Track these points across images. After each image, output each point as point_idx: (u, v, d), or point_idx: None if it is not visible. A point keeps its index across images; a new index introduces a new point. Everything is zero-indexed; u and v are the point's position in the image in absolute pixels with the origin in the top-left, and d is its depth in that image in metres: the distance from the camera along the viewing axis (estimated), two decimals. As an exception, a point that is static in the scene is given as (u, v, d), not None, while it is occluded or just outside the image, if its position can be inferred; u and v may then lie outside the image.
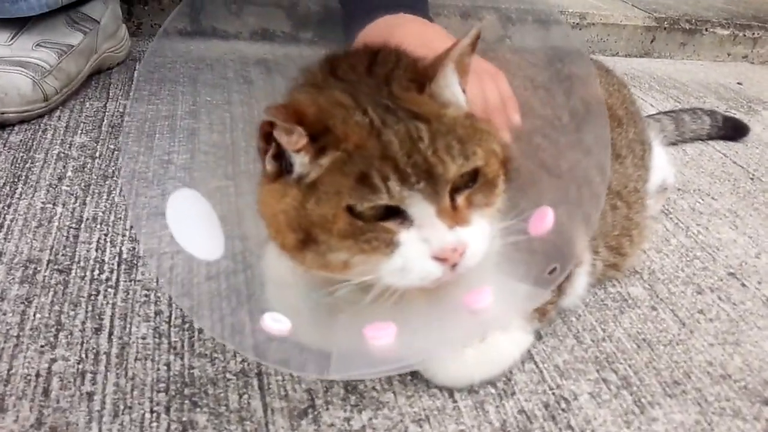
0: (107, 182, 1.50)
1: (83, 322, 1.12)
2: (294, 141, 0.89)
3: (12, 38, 1.76)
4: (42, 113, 1.74)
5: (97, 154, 1.61)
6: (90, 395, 1.00)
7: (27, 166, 1.52)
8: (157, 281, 1.22)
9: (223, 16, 1.71)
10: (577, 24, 2.88)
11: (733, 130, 2.21)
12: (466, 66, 0.99)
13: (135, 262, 1.27)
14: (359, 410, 1.03)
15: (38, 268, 1.22)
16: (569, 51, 1.28)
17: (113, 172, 1.54)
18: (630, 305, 1.33)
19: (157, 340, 1.11)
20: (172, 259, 0.96)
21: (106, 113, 1.80)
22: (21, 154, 1.57)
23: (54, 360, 1.05)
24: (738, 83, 2.86)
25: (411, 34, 1.20)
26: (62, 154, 1.59)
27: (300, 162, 0.91)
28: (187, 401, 1.00)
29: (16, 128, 1.67)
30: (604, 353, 1.20)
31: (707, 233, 1.64)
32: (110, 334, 1.11)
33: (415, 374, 1.09)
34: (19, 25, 1.78)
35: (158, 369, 1.05)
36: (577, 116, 1.13)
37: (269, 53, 1.54)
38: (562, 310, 1.27)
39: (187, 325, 1.14)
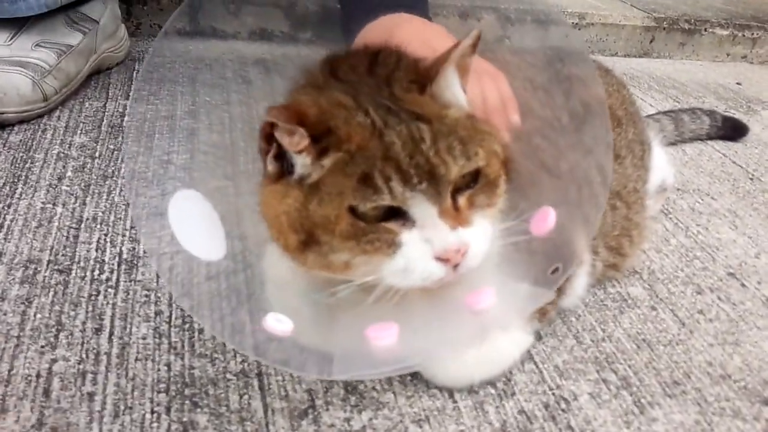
0: (107, 182, 1.50)
1: (83, 323, 1.12)
2: (296, 142, 0.89)
3: (11, 38, 1.76)
4: (41, 113, 1.74)
5: (97, 154, 1.61)
6: (91, 395, 1.00)
7: (27, 166, 1.52)
8: (158, 281, 1.22)
9: (222, 15, 1.71)
10: (576, 24, 2.88)
11: (732, 130, 2.21)
12: (467, 66, 0.99)
13: (135, 262, 1.27)
14: (359, 410, 1.03)
15: (38, 269, 1.22)
16: (569, 51, 1.28)
17: (113, 172, 1.54)
18: (630, 305, 1.33)
19: (157, 340, 1.11)
20: (172, 260, 0.96)
21: (106, 113, 1.80)
22: (21, 154, 1.57)
23: (54, 360, 1.05)
24: (737, 83, 2.86)
25: (411, 34, 1.20)
26: (62, 154, 1.59)
27: (301, 163, 0.91)
28: (187, 401, 1.01)
29: (15, 128, 1.67)
30: (604, 353, 1.20)
31: (707, 233, 1.64)
32: (111, 334, 1.11)
33: (415, 375, 1.09)
34: (19, 25, 1.78)
35: (159, 369, 1.05)
36: (576, 117, 1.13)
37: (268, 53, 1.54)
38: (561, 311, 1.27)
39: (187, 326, 1.14)
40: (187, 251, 0.96)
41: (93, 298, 1.18)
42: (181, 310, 1.16)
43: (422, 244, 0.90)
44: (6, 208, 1.37)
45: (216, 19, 1.69)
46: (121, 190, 1.47)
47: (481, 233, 0.93)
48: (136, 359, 1.07)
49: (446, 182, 0.89)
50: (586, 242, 1.13)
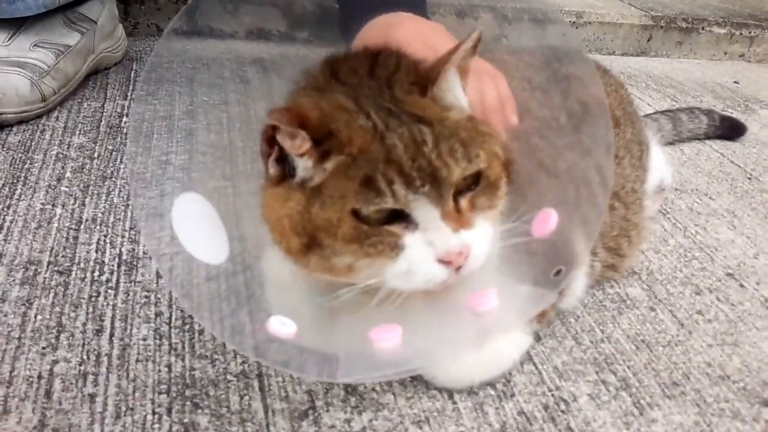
0: (106, 183, 1.50)
1: (84, 324, 1.12)
2: (297, 145, 0.90)
3: (9, 39, 1.76)
4: (40, 114, 1.74)
5: (96, 155, 1.61)
6: (92, 397, 1.00)
7: (26, 167, 1.52)
8: (157, 282, 1.22)
9: (219, 15, 1.70)
10: (574, 23, 2.88)
11: (730, 130, 2.21)
12: (467, 68, 0.99)
13: (135, 263, 1.27)
14: (359, 412, 1.03)
15: (38, 270, 1.23)
16: (567, 51, 1.28)
17: (112, 173, 1.54)
18: (628, 306, 1.34)
19: (157, 341, 1.11)
20: (171, 261, 0.96)
21: (104, 113, 1.80)
22: (20, 155, 1.57)
23: (56, 362, 1.05)
24: (735, 82, 2.86)
25: (410, 33, 1.20)
26: (61, 155, 1.59)
27: (303, 166, 0.92)
28: (188, 402, 1.01)
29: (14, 129, 1.67)
30: (603, 354, 1.20)
31: (705, 233, 1.64)
32: (111, 335, 1.11)
33: (414, 376, 1.09)
34: (17, 25, 1.78)
35: (159, 370, 1.06)
36: (574, 117, 1.13)
37: (265, 52, 1.54)
38: (560, 312, 1.27)
39: (187, 327, 1.14)
40: (191, 254, 0.96)
41: (93, 299, 1.18)
42: (182, 311, 1.16)
43: (425, 247, 0.90)
44: (5, 209, 1.37)
45: (213, 19, 1.69)
46: (120, 191, 1.47)
47: (482, 235, 0.93)
48: (137, 360, 1.07)
49: (448, 185, 0.89)
50: (586, 243, 1.13)
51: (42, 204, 1.40)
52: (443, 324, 1.02)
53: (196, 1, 1.15)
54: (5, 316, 1.12)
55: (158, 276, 1.24)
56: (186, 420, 0.98)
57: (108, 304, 1.17)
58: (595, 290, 1.36)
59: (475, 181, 0.93)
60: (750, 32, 3.21)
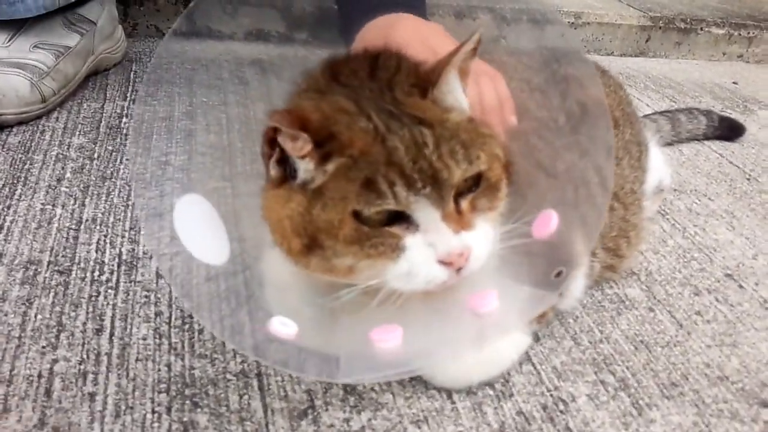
0: (106, 184, 1.50)
1: (84, 323, 1.13)
2: (299, 147, 0.90)
3: (9, 40, 1.76)
4: (40, 114, 1.75)
5: (96, 156, 1.61)
6: (92, 396, 1.00)
7: (26, 167, 1.53)
8: (157, 282, 1.23)
9: (218, 16, 1.70)
10: (572, 23, 2.88)
11: (729, 130, 2.21)
12: (467, 70, 0.99)
13: (135, 263, 1.27)
14: (358, 411, 1.04)
15: (39, 270, 1.23)
16: (565, 52, 1.28)
17: (112, 173, 1.55)
18: (627, 307, 1.34)
19: (157, 340, 1.11)
20: (171, 261, 0.97)
21: (104, 114, 1.80)
22: (20, 156, 1.57)
23: (56, 361, 1.05)
24: (733, 83, 2.87)
25: (409, 34, 1.21)
26: (61, 156, 1.59)
27: (305, 168, 0.92)
28: (188, 402, 1.01)
29: (14, 129, 1.67)
30: (602, 355, 1.21)
31: (704, 234, 1.64)
32: (111, 335, 1.11)
33: (413, 376, 1.09)
34: (17, 26, 1.78)
35: (159, 370, 1.06)
36: (573, 118, 1.14)
37: (264, 54, 1.54)
38: (559, 313, 1.27)
39: (187, 326, 1.14)
40: (194, 255, 0.96)
41: (93, 298, 1.18)
42: (181, 310, 1.16)
43: (426, 248, 0.90)
44: (6, 209, 1.37)
45: (212, 20, 1.69)
46: (120, 192, 1.47)
47: (483, 236, 0.94)
48: (137, 360, 1.07)
49: (449, 186, 0.89)
50: (585, 244, 1.13)
51: (42, 204, 1.40)
52: (443, 325, 1.02)
53: (198, 3, 1.15)
54: (5, 315, 1.12)
55: (158, 276, 1.24)
56: (185, 419, 0.98)
57: (108, 303, 1.17)
58: (594, 291, 1.37)
59: (475, 183, 0.93)
60: (748, 33, 3.21)
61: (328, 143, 0.89)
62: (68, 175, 1.52)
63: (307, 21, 1.81)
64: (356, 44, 1.28)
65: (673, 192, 1.81)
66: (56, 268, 1.24)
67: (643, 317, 1.31)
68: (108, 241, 1.32)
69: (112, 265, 1.26)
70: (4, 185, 1.45)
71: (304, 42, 1.68)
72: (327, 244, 0.91)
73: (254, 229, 1.02)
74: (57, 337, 1.10)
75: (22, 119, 1.70)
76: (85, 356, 1.07)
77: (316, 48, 1.31)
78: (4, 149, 1.59)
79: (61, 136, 1.67)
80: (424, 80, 0.96)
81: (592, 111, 1.11)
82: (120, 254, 1.29)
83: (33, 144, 1.62)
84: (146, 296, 1.20)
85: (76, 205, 1.42)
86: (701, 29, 3.13)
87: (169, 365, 1.07)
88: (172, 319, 1.16)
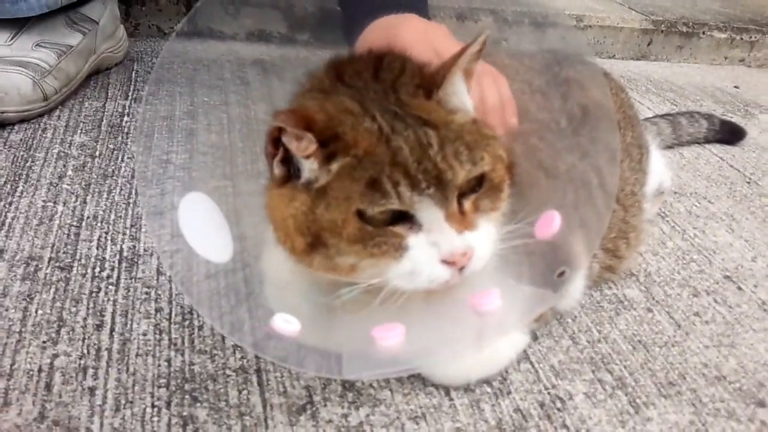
0: (107, 181, 1.51)
1: (85, 319, 1.13)
2: (303, 147, 0.91)
3: (12, 38, 1.76)
4: (42, 113, 1.75)
5: (97, 154, 1.61)
6: (92, 390, 1.01)
7: (28, 164, 1.53)
8: (158, 279, 1.23)
9: (220, 17, 1.71)
10: (574, 26, 2.88)
11: (729, 134, 2.22)
12: (472, 71, 1.00)
13: (135, 260, 1.28)
14: (357, 407, 1.04)
15: (40, 266, 1.23)
16: (567, 54, 1.29)
17: (113, 171, 1.55)
18: (626, 307, 1.34)
19: (157, 336, 1.12)
20: (172, 258, 0.97)
21: (105, 113, 1.81)
22: (21, 153, 1.57)
23: (56, 355, 1.06)
24: (735, 87, 2.87)
25: (413, 35, 1.21)
26: (62, 153, 1.60)
27: (309, 167, 0.92)
28: (187, 396, 1.01)
29: (16, 127, 1.68)
30: (600, 354, 1.21)
31: (704, 236, 1.65)
32: (111, 330, 1.12)
33: (412, 373, 1.10)
34: (19, 25, 1.78)
35: (159, 365, 1.06)
36: (574, 120, 1.14)
37: (266, 54, 1.55)
38: (558, 313, 1.28)
39: (187, 322, 1.15)
40: (198, 253, 0.96)
41: (94, 294, 1.19)
42: (182, 307, 1.17)
43: (429, 248, 0.91)
44: (7, 206, 1.38)
45: (214, 21, 1.69)
46: (121, 189, 1.48)
47: (485, 237, 0.94)
48: (137, 355, 1.08)
49: (453, 187, 0.90)
50: (585, 245, 1.14)
51: (44, 201, 1.41)
52: (444, 324, 1.02)
53: (203, 5, 1.15)
54: (6, 310, 1.13)
55: (159, 272, 1.25)
56: (185, 413, 0.99)
57: (108, 299, 1.18)
58: (593, 291, 1.37)
59: (479, 184, 0.94)
60: (750, 37, 3.21)
61: (332, 143, 0.90)
62: (69, 172, 1.52)
63: (309, 22, 1.82)
64: (359, 45, 1.28)
65: (673, 194, 1.81)
66: (57, 264, 1.24)
67: (642, 318, 1.32)
68: (109, 238, 1.33)
69: (113, 262, 1.27)
70: (6, 182, 1.45)
71: (305, 43, 1.69)
72: (330, 242, 0.91)
73: (255, 228, 1.02)
74: (57, 332, 1.10)
75: (24, 117, 1.70)
76: (85, 351, 1.07)
77: (318, 49, 1.31)
78: (6, 147, 1.59)
79: (62, 134, 1.68)
80: (429, 81, 0.96)
81: (593, 113, 1.11)
82: (121, 251, 1.30)
83: (35, 142, 1.63)
84: (147, 293, 1.20)
85: (78, 203, 1.42)
86: (703, 33, 3.14)
87: (169, 360, 1.07)
88: (173, 315, 1.16)
